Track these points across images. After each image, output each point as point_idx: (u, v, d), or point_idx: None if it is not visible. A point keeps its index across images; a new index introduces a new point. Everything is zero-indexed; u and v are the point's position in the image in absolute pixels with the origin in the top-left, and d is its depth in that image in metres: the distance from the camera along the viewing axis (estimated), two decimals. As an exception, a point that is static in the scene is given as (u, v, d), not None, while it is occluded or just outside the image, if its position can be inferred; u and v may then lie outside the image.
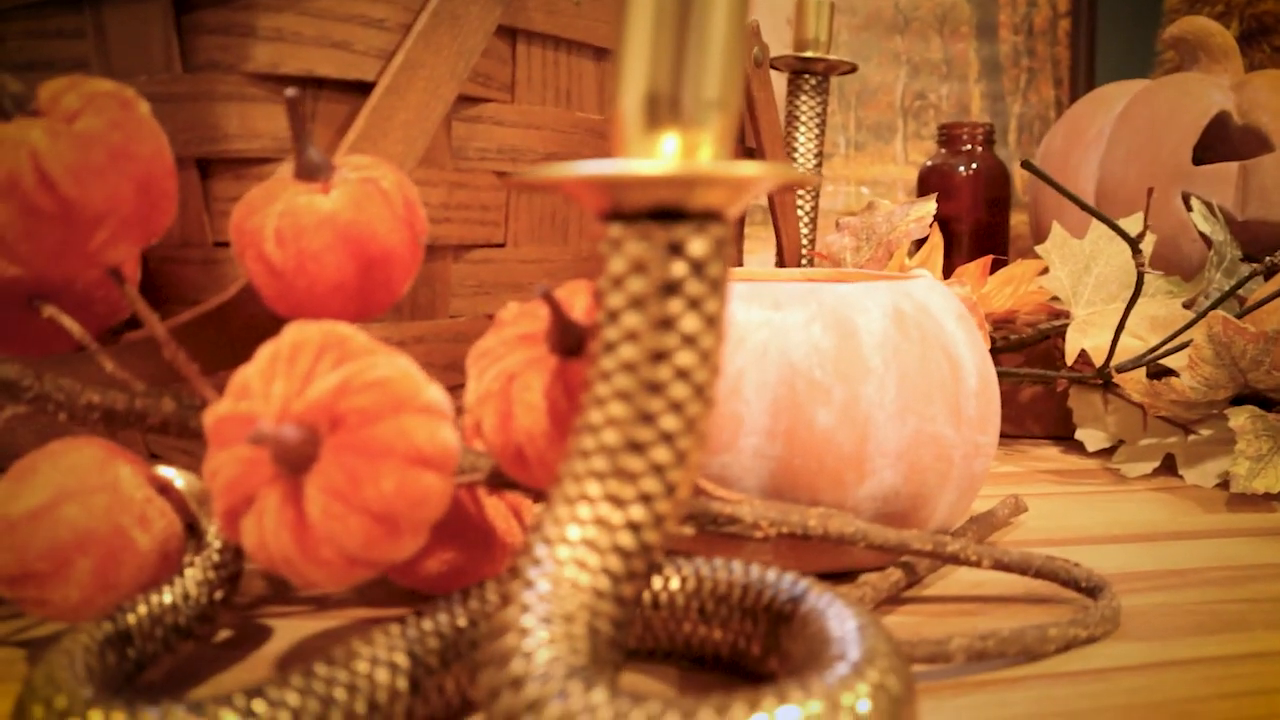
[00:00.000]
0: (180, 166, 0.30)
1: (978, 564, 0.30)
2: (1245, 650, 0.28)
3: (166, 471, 0.27)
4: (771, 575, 0.25)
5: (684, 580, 0.26)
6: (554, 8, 0.37)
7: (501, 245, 0.38)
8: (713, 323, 0.20)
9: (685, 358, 0.20)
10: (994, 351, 0.54)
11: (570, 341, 0.24)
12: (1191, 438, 0.49)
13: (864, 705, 0.18)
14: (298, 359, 0.22)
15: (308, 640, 0.29)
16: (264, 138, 0.31)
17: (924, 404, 0.31)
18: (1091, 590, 0.30)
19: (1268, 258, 0.47)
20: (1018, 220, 0.76)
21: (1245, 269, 0.52)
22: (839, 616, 0.22)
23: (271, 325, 0.30)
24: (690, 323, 0.20)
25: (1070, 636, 0.28)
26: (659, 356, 0.20)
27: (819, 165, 0.65)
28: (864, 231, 0.47)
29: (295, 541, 0.21)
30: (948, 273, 0.55)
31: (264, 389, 0.22)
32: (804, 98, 0.65)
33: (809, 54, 0.64)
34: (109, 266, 0.25)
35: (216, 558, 0.26)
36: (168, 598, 0.25)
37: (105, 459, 0.26)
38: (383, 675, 0.21)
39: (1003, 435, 0.57)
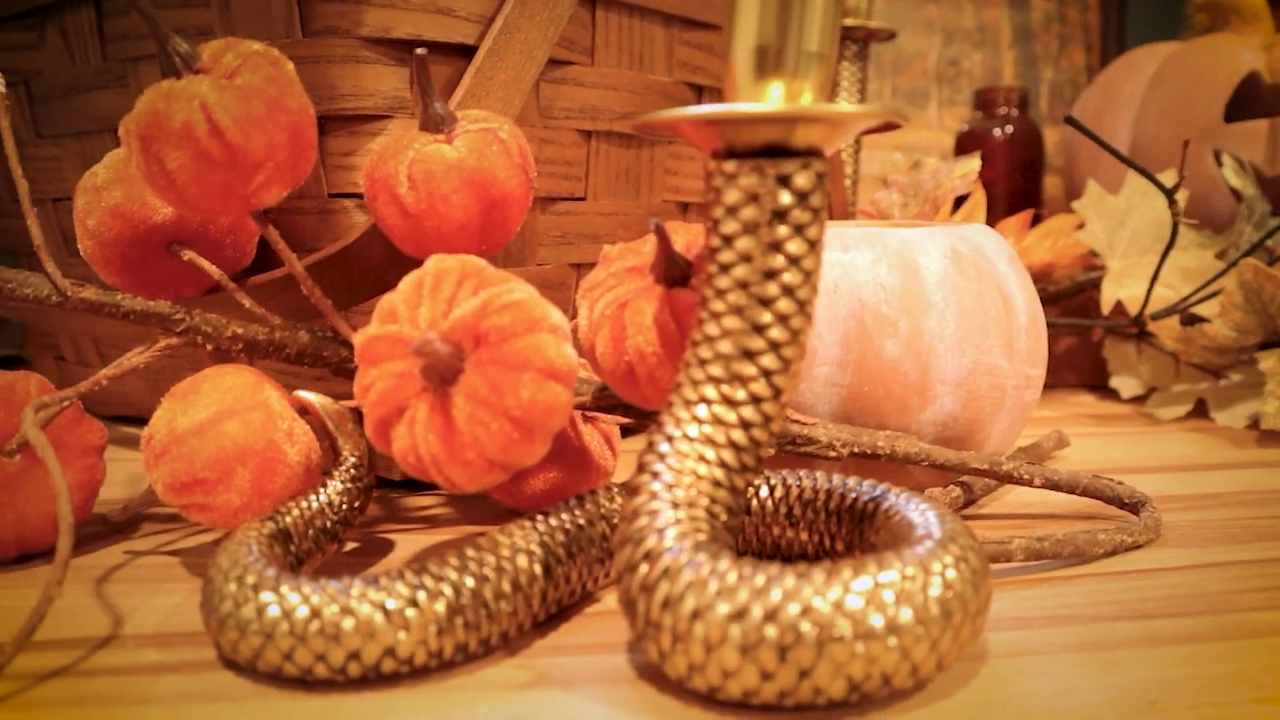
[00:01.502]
0: (303, 123, 0.33)
1: (1030, 482, 0.33)
2: (1276, 555, 0.31)
3: (305, 395, 0.30)
4: (851, 481, 0.28)
5: (772, 488, 0.29)
6: (628, -25, 0.40)
7: (582, 199, 0.40)
8: (814, 246, 0.23)
9: (791, 276, 0.23)
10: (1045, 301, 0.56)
11: (675, 272, 0.27)
12: (1222, 382, 0.52)
13: (951, 573, 0.21)
14: (441, 286, 0.25)
15: (425, 551, 0.32)
16: (375, 97, 0.34)
17: (980, 337, 0.34)
18: (1134, 506, 0.33)
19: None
20: (1049, 183, 0.79)
21: (1275, 222, 0.54)
22: (918, 509, 0.25)
23: (387, 269, 0.33)
24: (795, 245, 0.23)
25: (1117, 542, 0.31)
26: (769, 275, 0.23)
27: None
28: (911, 188, 0.50)
29: (443, 445, 0.25)
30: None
31: (410, 313, 0.25)
32: (845, 64, 0.67)
33: (850, 22, 0.66)
34: (263, 208, 0.28)
35: (353, 471, 0.30)
36: (315, 504, 0.28)
37: (256, 383, 0.29)
38: (523, 561, 0.24)
39: (1039, 385, 0.60)
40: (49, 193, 0.43)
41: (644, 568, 0.22)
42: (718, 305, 0.23)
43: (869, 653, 0.20)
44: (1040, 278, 0.55)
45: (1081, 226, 0.55)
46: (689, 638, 0.20)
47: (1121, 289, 0.53)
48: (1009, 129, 0.71)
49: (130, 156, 0.27)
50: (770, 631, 0.20)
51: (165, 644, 0.25)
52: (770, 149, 0.23)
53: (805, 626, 0.20)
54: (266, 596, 0.22)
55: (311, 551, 0.27)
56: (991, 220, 0.73)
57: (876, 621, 0.20)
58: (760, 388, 0.23)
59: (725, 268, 0.23)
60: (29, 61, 0.42)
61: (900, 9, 0.85)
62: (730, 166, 0.23)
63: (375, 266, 0.32)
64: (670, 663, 0.21)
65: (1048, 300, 0.56)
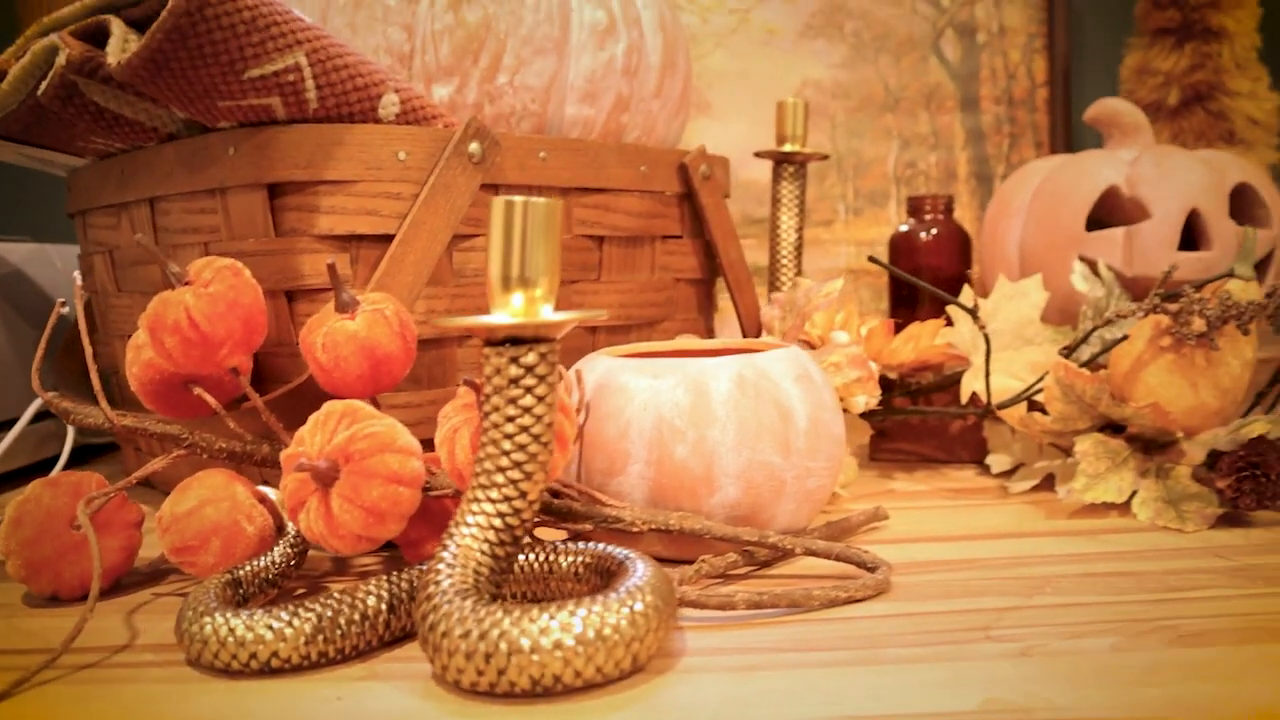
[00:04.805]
0: (273, 296, 0.48)
1: (792, 551, 0.45)
2: (961, 608, 0.41)
3: (264, 489, 0.45)
4: (615, 551, 0.40)
5: (569, 558, 0.41)
6: (524, 164, 0.53)
7: (492, 332, 0.54)
8: (542, 399, 0.36)
9: (526, 420, 0.35)
10: (918, 392, 0.67)
11: (487, 408, 0.40)
12: (1070, 459, 0.61)
13: (626, 610, 0.33)
14: (328, 421, 0.39)
15: (353, 595, 0.45)
16: (325, 276, 0.48)
17: (755, 440, 0.45)
18: (872, 568, 0.44)
19: (1117, 310, 0.58)
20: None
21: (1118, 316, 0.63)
22: (638, 569, 0.37)
23: (321, 401, 0.47)
24: (527, 400, 0.35)
25: (832, 596, 0.42)
26: (510, 419, 0.35)
27: (800, 239, 0.79)
28: (788, 304, 0.61)
29: (326, 525, 0.38)
30: (900, 327, 0.68)
31: (310, 439, 0.39)
32: (785, 183, 0.79)
33: (788, 148, 0.79)
34: (229, 368, 0.42)
35: (293, 540, 0.43)
36: (262, 563, 0.42)
37: (229, 480, 0.43)
38: (371, 600, 0.38)
39: (935, 460, 0.70)
40: (125, 331, 0.59)
41: (424, 605, 0.34)
42: (484, 439, 0.36)
43: (541, 661, 0.32)
44: (915, 371, 0.65)
45: (950, 325, 0.65)
46: (441, 649, 0.33)
47: (978, 382, 0.63)
48: (934, 231, 0.81)
49: (145, 335, 0.42)
50: (481, 645, 0.32)
51: (159, 650, 0.39)
52: (511, 338, 0.36)
53: (502, 644, 0.32)
54: (206, 619, 0.36)
55: (255, 594, 0.41)
56: (919, 310, 0.83)
57: (545, 642, 0.32)
58: (510, 492, 0.36)
59: (487, 414, 0.36)
60: (112, 238, 0.58)
61: (860, 118, 0.96)
62: (487, 350, 0.36)
63: (314, 399, 0.46)
64: (435, 665, 0.34)
65: (930, 389, 0.66)
